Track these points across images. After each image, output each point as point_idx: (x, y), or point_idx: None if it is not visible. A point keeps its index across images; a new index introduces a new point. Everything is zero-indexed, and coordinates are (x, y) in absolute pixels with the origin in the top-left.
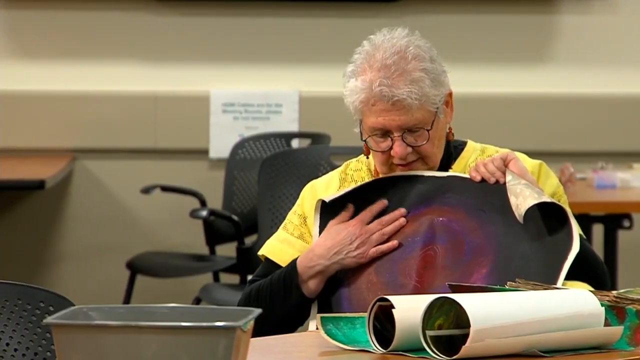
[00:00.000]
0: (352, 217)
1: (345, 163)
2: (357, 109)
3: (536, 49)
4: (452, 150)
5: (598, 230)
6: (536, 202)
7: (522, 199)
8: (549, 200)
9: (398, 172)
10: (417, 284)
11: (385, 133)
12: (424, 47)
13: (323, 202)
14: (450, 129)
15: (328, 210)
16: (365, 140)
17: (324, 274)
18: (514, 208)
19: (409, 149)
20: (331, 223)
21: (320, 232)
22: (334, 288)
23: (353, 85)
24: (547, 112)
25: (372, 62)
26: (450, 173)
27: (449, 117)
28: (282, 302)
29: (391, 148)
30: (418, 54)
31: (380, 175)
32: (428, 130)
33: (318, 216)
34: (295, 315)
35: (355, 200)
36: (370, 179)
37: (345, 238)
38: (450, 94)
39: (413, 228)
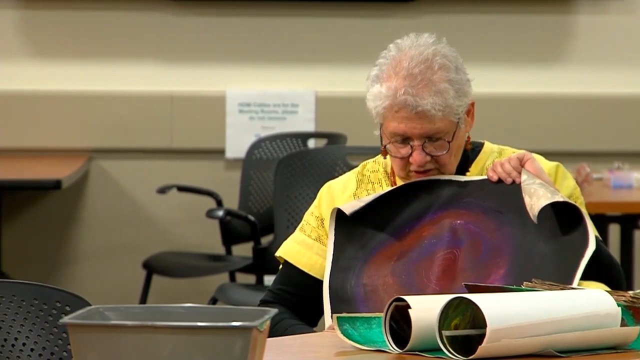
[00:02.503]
0: (369, 227)
1: (362, 164)
2: (380, 114)
3: (553, 49)
4: (470, 154)
5: (614, 230)
6: (549, 202)
7: (535, 199)
8: (561, 199)
9: (415, 179)
10: (435, 286)
11: (406, 140)
12: (450, 56)
13: (339, 209)
14: (468, 137)
15: (345, 218)
16: (385, 146)
17: None
18: (528, 208)
19: (428, 158)
20: None
21: (335, 241)
22: (350, 289)
23: (377, 90)
24: (563, 112)
25: (398, 69)
26: (468, 177)
27: (469, 126)
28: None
29: (410, 155)
30: (444, 64)
31: (397, 179)
32: (449, 142)
33: (334, 225)
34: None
35: (374, 208)
36: (387, 189)
37: None
38: (472, 104)
39: (432, 232)
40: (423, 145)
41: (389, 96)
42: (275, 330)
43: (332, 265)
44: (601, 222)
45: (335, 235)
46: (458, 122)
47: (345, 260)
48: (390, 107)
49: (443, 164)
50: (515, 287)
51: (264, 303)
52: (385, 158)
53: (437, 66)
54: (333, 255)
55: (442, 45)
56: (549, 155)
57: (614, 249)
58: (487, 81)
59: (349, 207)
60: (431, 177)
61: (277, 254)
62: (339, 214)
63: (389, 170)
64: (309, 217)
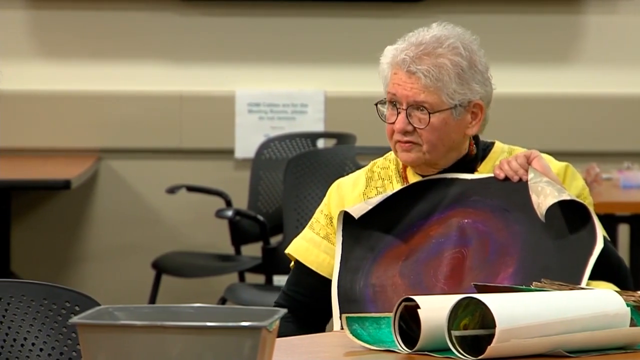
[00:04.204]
0: (377, 228)
1: (372, 162)
2: (384, 74)
3: (562, 49)
4: (480, 154)
5: (624, 230)
6: (555, 200)
7: (543, 198)
8: (568, 198)
9: (422, 179)
10: (443, 286)
11: (396, 105)
12: (471, 48)
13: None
14: (471, 142)
15: (352, 220)
16: (376, 105)
17: None
18: (535, 207)
19: (409, 127)
20: None
21: (343, 243)
22: (359, 290)
23: (387, 51)
24: (572, 112)
25: (412, 39)
26: (476, 176)
27: (472, 130)
28: None
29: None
30: (456, 47)
31: (409, 174)
32: (430, 114)
33: (341, 226)
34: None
35: (381, 209)
36: (395, 190)
37: None
38: (480, 107)
39: (440, 231)
40: (407, 111)
41: (392, 55)
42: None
43: (340, 267)
44: (611, 222)
45: (343, 237)
46: (452, 109)
47: (354, 262)
48: (390, 65)
49: (425, 140)
50: (524, 287)
51: (277, 306)
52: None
53: (447, 44)
54: (341, 256)
55: (470, 37)
56: (558, 155)
57: (624, 249)
58: (496, 81)
59: (356, 210)
60: (437, 176)
61: (287, 251)
62: (346, 216)
63: (400, 167)
64: (319, 215)
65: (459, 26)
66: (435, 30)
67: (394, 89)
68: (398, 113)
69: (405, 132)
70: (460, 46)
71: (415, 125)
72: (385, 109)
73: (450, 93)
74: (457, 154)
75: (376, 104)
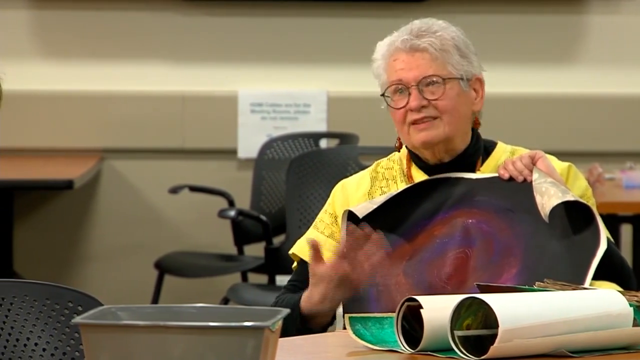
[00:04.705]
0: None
1: (376, 162)
2: (381, 69)
3: (564, 49)
4: (482, 149)
5: (627, 230)
6: (560, 201)
7: (547, 198)
8: (572, 198)
9: (426, 178)
10: (447, 285)
11: (404, 89)
12: (459, 35)
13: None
14: (477, 118)
15: (357, 219)
16: (383, 94)
17: (328, 315)
18: (539, 207)
19: (424, 101)
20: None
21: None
22: (362, 289)
23: (378, 46)
24: (575, 112)
25: (403, 31)
26: (480, 175)
27: (477, 106)
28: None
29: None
30: (448, 27)
31: (413, 173)
32: (444, 81)
33: (345, 226)
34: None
35: (385, 209)
36: (399, 190)
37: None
38: (480, 82)
39: (444, 231)
40: (418, 87)
41: (387, 44)
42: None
43: None
44: (613, 222)
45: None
46: (459, 79)
47: None
48: (388, 54)
49: (442, 110)
50: (527, 287)
51: (276, 300)
52: (399, 151)
53: (439, 25)
54: None
55: (456, 28)
56: (560, 155)
57: (627, 249)
58: (499, 81)
59: (361, 210)
60: (442, 176)
61: (290, 251)
62: (350, 215)
63: (404, 166)
64: (323, 215)
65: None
66: (421, 22)
67: (397, 75)
68: (409, 94)
69: (420, 108)
70: (452, 29)
71: (430, 98)
72: (391, 99)
73: (455, 64)
74: (469, 134)
75: (382, 95)
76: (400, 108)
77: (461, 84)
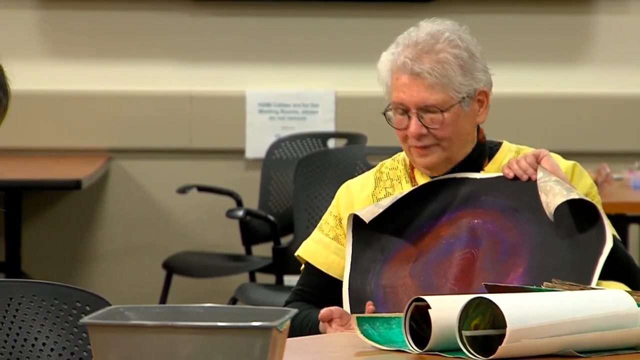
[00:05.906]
0: (387, 229)
1: (380, 163)
2: (385, 82)
3: (572, 49)
4: (487, 151)
5: (635, 230)
6: (564, 199)
7: (552, 197)
8: (577, 197)
9: (431, 179)
10: (453, 286)
11: (405, 111)
12: (465, 38)
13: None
14: (481, 130)
15: (363, 222)
16: (384, 113)
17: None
18: (544, 206)
19: (424, 130)
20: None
21: (353, 245)
22: (369, 291)
23: (383, 57)
24: (583, 112)
25: (407, 41)
26: (485, 175)
27: (481, 118)
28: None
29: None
30: (453, 40)
31: (417, 174)
32: (442, 112)
33: (351, 228)
34: None
35: (391, 211)
36: (404, 192)
37: None
38: (484, 94)
39: (450, 231)
40: (418, 115)
41: (391, 60)
42: (295, 325)
43: (351, 269)
44: (621, 222)
45: (353, 239)
46: (460, 102)
47: (364, 263)
48: (391, 72)
49: (441, 138)
50: (535, 287)
51: (287, 304)
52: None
53: (444, 39)
54: (352, 258)
55: (461, 30)
56: (568, 155)
57: (635, 249)
58: (507, 81)
59: (367, 214)
60: (447, 176)
61: (296, 253)
62: (356, 218)
63: (408, 167)
64: (328, 217)
65: (445, 20)
66: (426, 28)
67: (399, 96)
68: (409, 118)
69: (420, 136)
70: (457, 38)
71: (429, 127)
72: (392, 116)
73: (457, 87)
74: (471, 144)
75: (384, 113)
76: (401, 129)
77: (462, 106)
